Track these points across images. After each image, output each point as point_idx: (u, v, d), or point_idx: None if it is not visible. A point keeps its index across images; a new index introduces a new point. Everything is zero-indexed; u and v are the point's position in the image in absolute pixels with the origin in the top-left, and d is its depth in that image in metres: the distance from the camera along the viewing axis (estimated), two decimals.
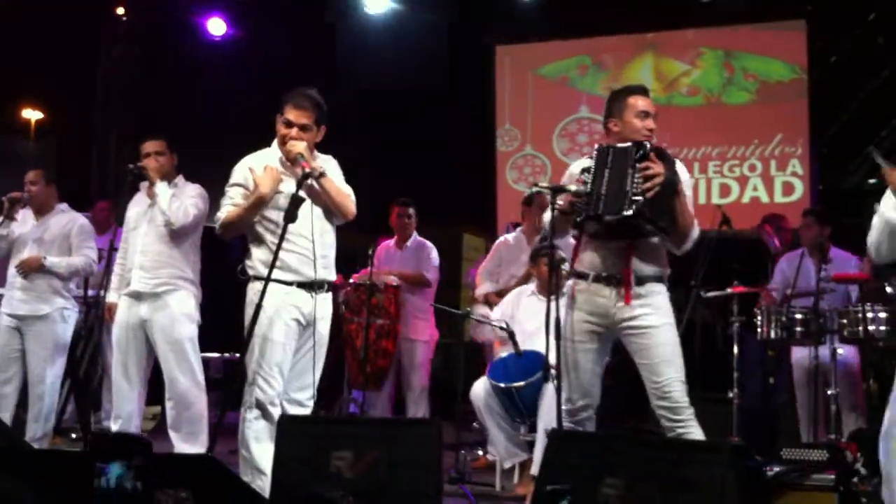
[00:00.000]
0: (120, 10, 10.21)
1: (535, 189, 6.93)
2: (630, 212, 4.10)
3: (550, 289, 4.48)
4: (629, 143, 4.26)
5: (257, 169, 4.62)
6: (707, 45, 9.48)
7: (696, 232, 4.37)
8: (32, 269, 6.24)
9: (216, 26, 10.19)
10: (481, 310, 6.97)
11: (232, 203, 4.61)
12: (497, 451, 5.84)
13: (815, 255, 6.59)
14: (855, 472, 4.94)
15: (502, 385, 5.67)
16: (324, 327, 4.71)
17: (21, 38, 9.14)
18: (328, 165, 4.70)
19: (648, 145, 4.19)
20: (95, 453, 3.22)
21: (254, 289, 4.57)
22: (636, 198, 4.09)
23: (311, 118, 4.60)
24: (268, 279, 4.36)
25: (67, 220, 6.35)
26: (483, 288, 7.23)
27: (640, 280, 4.29)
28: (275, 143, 4.70)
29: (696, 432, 4.21)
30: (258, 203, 4.51)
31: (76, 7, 9.56)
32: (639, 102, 4.42)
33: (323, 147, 4.77)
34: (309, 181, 4.49)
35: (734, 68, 9.34)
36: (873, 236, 3.92)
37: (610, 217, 4.17)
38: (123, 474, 3.15)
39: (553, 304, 4.34)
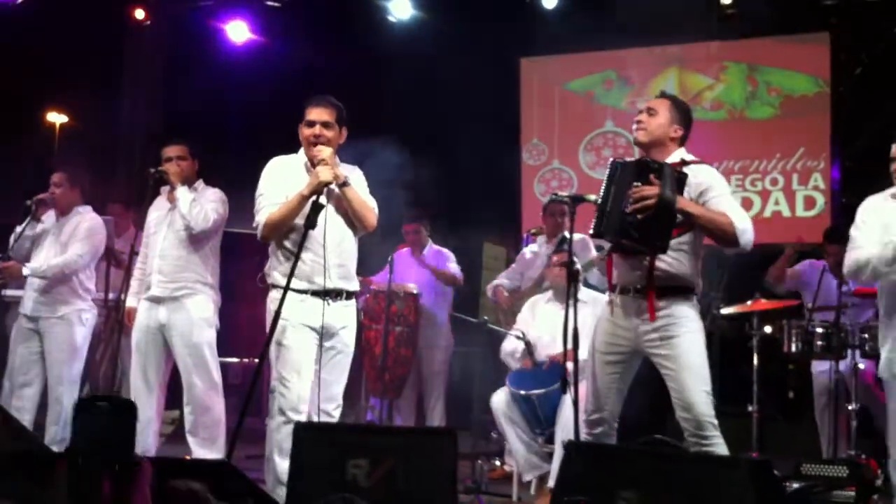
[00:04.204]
0: (141, 15, 10.21)
1: (552, 197, 6.98)
2: (618, 233, 4.12)
3: (568, 298, 4.45)
4: (631, 160, 4.26)
5: (284, 170, 4.67)
6: (731, 58, 9.44)
7: (743, 228, 4.13)
8: (13, 278, 6.31)
9: (238, 32, 10.18)
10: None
11: (271, 203, 4.60)
12: (517, 462, 5.80)
13: (837, 271, 6.55)
14: (875, 489, 4.91)
15: (522, 392, 5.65)
16: (347, 336, 4.69)
17: (46, 42, 9.21)
18: (352, 176, 4.71)
19: (648, 163, 4.13)
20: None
21: (271, 297, 4.61)
22: (628, 219, 4.07)
23: (332, 116, 4.64)
24: (286, 288, 4.36)
25: (80, 220, 6.33)
26: (496, 281, 7.26)
27: (664, 292, 4.24)
28: (301, 150, 4.73)
29: (720, 450, 4.13)
30: (308, 196, 4.46)
31: (101, 11, 9.62)
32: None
33: (344, 153, 4.79)
34: (332, 187, 4.52)
35: (758, 82, 9.30)
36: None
37: (608, 237, 4.18)
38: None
39: (571, 312, 4.32)
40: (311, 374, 4.56)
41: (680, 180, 4.15)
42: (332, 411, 4.64)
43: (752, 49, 9.40)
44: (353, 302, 4.76)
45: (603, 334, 4.40)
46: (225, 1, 10.04)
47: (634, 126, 4.44)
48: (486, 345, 6.87)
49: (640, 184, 4.05)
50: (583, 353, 4.47)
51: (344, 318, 4.67)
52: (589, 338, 4.48)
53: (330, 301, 4.58)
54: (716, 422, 4.17)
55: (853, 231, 4.57)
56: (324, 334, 4.59)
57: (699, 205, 4.18)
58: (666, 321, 4.23)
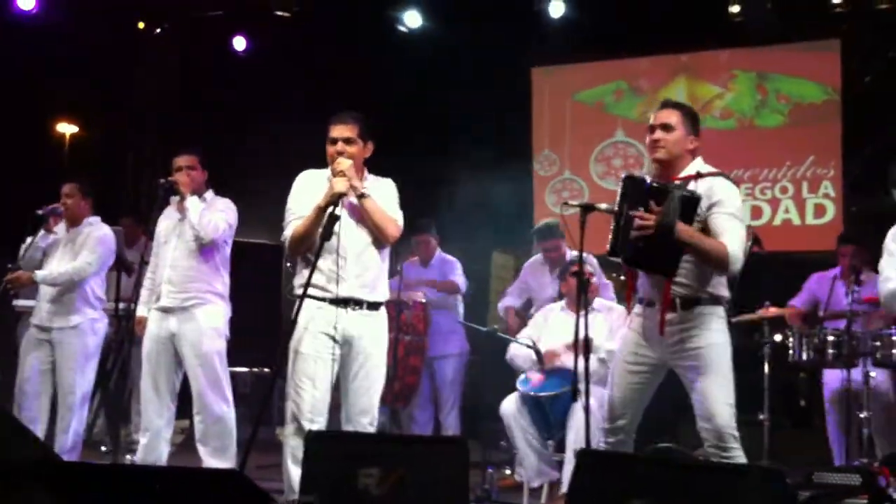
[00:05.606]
0: (141, 25, 10.25)
1: (565, 206, 6.96)
2: (629, 259, 4.12)
3: (579, 306, 4.45)
4: (641, 176, 4.18)
5: (311, 183, 4.70)
6: (740, 67, 9.43)
7: (735, 256, 4.05)
8: (23, 286, 6.35)
9: (239, 43, 10.21)
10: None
11: (297, 217, 4.65)
12: (525, 469, 5.78)
13: (847, 278, 6.53)
14: (888, 497, 4.88)
15: (532, 393, 5.64)
16: (369, 346, 4.69)
17: (56, 52, 9.25)
18: (381, 186, 4.76)
19: (655, 188, 4.03)
20: None
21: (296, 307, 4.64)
22: (635, 244, 4.03)
23: (353, 131, 4.66)
24: (303, 296, 4.41)
25: (92, 230, 6.36)
26: (506, 301, 7.25)
27: (687, 303, 4.19)
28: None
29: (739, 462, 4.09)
30: (325, 207, 4.50)
31: (111, 21, 9.66)
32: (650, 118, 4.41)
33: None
34: (351, 199, 4.56)
35: (767, 90, 9.29)
36: None
37: (621, 257, 4.16)
38: None
39: (581, 321, 4.32)
40: (328, 383, 4.58)
41: (691, 203, 4.04)
42: (368, 425, 4.64)
43: (761, 57, 9.39)
44: (377, 312, 4.76)
45: (628, 345, 4.37)
46: (234, 12, 10.05)
47: (651, 144, 4.30)
48: (494, 353, 6.86)
49: (643, 209, 3.97)
50: (593, 362, 4.48)
51: (365, 326, 4.68)
52: (600, 345, 4.48)
53: (348, 310, 4.60)
54: (737, 434, 4.14)
55: (882, 262, 4.51)
56: (342, 343, 4.61)
57: (698, 233, 4.06)
58: (692, 332, 4.19)
